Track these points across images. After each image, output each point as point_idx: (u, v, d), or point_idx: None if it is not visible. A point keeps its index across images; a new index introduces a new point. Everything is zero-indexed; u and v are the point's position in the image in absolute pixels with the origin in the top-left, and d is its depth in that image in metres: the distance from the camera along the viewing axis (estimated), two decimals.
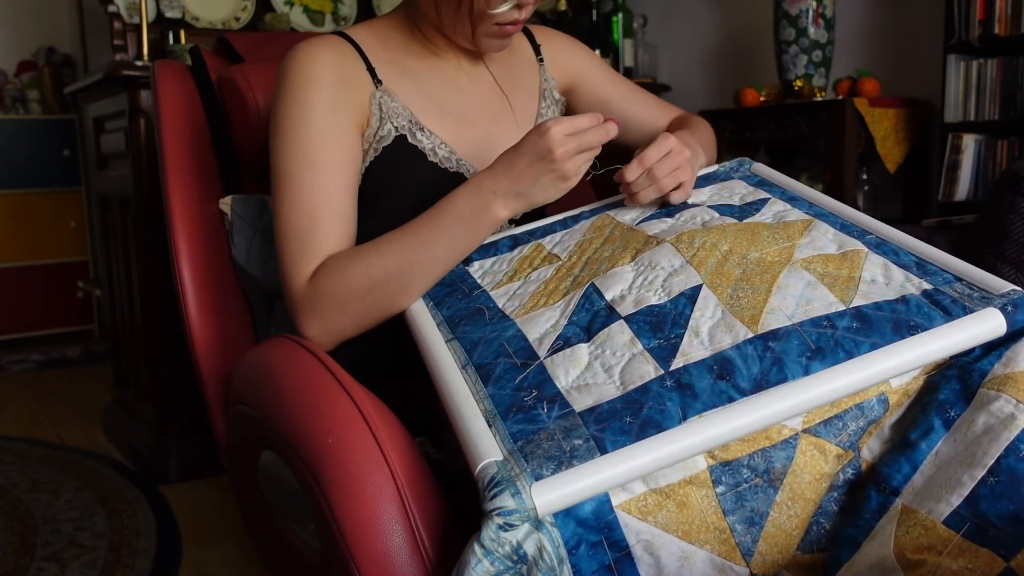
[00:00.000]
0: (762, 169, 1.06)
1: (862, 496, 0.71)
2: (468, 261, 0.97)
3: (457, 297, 0.90)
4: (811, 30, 2.55)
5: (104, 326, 3.53)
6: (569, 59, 1.21)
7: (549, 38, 1.21)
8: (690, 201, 0.99)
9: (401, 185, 1.02)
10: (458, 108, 1.07)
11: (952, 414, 0.70)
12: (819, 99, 2.53)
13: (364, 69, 1.02)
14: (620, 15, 3.23)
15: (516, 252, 0.96)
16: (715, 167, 1.10)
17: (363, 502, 0.72)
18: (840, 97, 2.51)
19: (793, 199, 0.96)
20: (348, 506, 0.72)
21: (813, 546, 0.71)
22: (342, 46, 1.02)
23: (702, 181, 1.06)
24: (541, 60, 1.18)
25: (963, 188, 2.33)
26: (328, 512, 0.73)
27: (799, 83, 2.58)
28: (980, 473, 0.66)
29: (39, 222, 3.46)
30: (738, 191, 1.00)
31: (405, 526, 0.73)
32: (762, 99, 2.69)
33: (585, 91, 1.21)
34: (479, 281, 0.92)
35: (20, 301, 3.44)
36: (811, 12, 2.54)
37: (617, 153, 1.24)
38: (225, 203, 1.19)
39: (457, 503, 0.81)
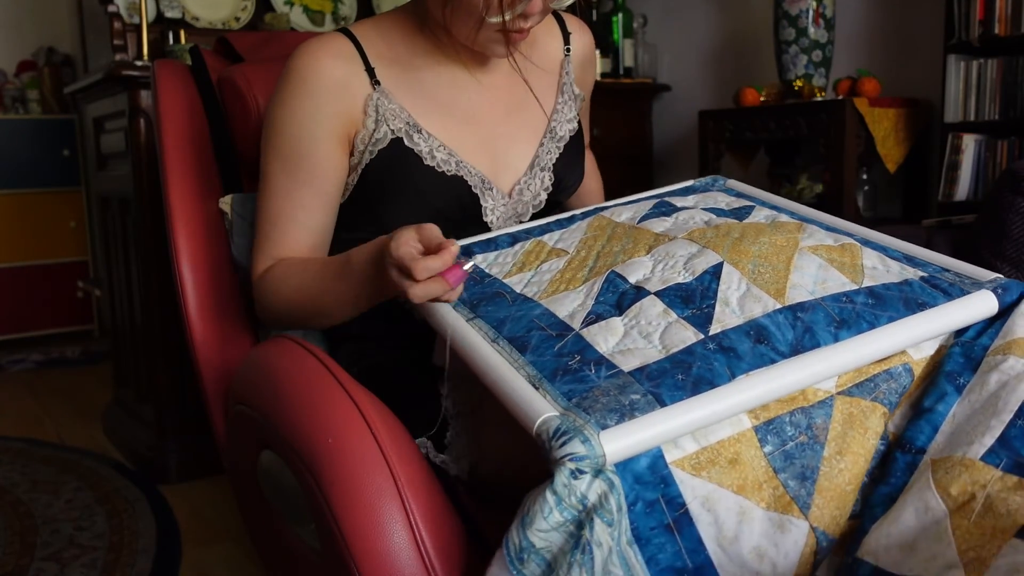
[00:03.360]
0: (737, 185, 1.11)
1: (889, 460, 0.74)
2: (470, 254, 0.96)
3: (470, 283, 0.89)
4: (811, 30, 2.55)
5: (104, 326, 3.53)
6: (587, 68, 1.18)
7: (580, 34, 1.17)
8: (679, 204, 1.01)
9: (398, 188, 1.01)
10: (463, 107, 1.05)
11: (961, 381, 0.76)
12: (819, 99, 2.53)
13: (363, 70, 1.01)
14: (620, 15, 3.23)
15: (518, 247, 0.96)
16: (691, 181, 1.13)
17: (363, 502, 0.72)
18: (840, 97, 2.51)
19: (776, 208, 1.02)
20: (348, 506, 0.72)
21: (852, 512, 0.73)
22: (344, 47, 1.01)
23: (682, 192, 1.10)
24: (568, 51, 1.15)
25: (963, 188, 2.33)
26: (328, 512, 0.73)
27: (799, 83, 2.58)
28: (1008, 417, 0.70)
29: (39, 222, 3.46)
30: (722, 200, 1.04)
31: (405, 526, 0.72)
32: (762, 99, 2.69)
33: None
34: (487, 271, 0.92)
35: (20, 301, 3.44)
36: (811, 12, 2.54)
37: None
38: (225, 202, 1.19)
39: (458, 504, 0.81)
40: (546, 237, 0.98)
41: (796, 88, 2.58)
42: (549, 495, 0.62)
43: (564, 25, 1.16)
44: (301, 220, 1.02)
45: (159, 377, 2.13)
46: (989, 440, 0.69)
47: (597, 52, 1.24)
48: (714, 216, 0.96)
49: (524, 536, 0.62)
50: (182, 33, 2.32)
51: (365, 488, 0.73)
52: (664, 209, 0.99)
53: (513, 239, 0.99)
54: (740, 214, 0.98)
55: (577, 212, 1.04)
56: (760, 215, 0.98)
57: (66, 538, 1.81)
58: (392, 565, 0.72)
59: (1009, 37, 2.20)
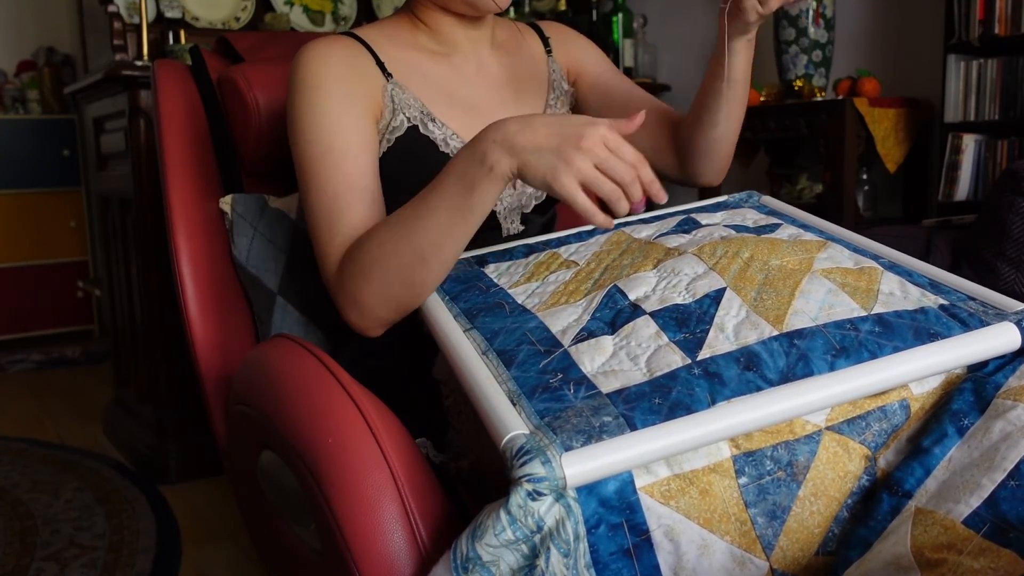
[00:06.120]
0: (771, 201, 1.09)
1: (874, 500, 0.71)
2: (484, 263, 0.97)
3: (474, 293, 0.90)
4: (811, 30, 2.55)
5: (104, 326, 3.53)
6: (574, 49, 1.23)
7: (557, 31, 1.24)
8: (704, 221, 1.00)
9: (416, 176, 1.01)
10: (467, 98, 1.08)
11: (966, 422, 0.71)
12: (819, 99, 2.54)
13: (374, 64, 1.03)
14: (620, 15, 3.23)
15: (532, 258, 0.97)
16: (724, 197, 1.12)
17: (363, 502, 0.72)
18: (840, 97, 2.51)
19: (805, 226, 0.98)
20: (348, 506, 0.72)
21: (820, 550, 0.71)
22: (350, 43, 1.04)
23: (713, 208, 1.08)
24: (549, 51, 1.20)
25: (963, 188, 2.33)
26: (328, 512, 0.73)
27: (799, 83, 2.58)
28: (1000, 477, 0.66)
29: (39, 222, 3.46)
30: (750, 217, 1.02)
31: (405, 526, 0.73)
32: (762, 99, 2.69)
33: (587, 79, 1.22)
34: (495, 280, 0.92)
35: (20, 301, 3.44)
36: (811, 12, 2.54)
37: None
38: (225, 202, 1.19)
39: (459, 504, 0.81)
40: (562, 249, 0.98)
41: (796, 88, 2.58)
42: (503, 514, 0.61)
43: (541, 31, 1.23)
44: (361, 187, 0.95)
45: (159, 377, 2.14)
46: (976, 501, 0.66)
47: (584, 37, 1.27)
48: (733, 232, 0.94)
49: (472, 547, 0.62)
50: (182, 33, 2.32)
51: (365, 488, 0.73)
52: (686, 227, 0.98)
53: (529, 250, 1.00)
54: (764, 232, 0.95)
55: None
56: (784, 233, 0.94)
57: (66, 538, 1.81)
58: (392, 565, 0.72)
59: (1009, 37, 2.20)
